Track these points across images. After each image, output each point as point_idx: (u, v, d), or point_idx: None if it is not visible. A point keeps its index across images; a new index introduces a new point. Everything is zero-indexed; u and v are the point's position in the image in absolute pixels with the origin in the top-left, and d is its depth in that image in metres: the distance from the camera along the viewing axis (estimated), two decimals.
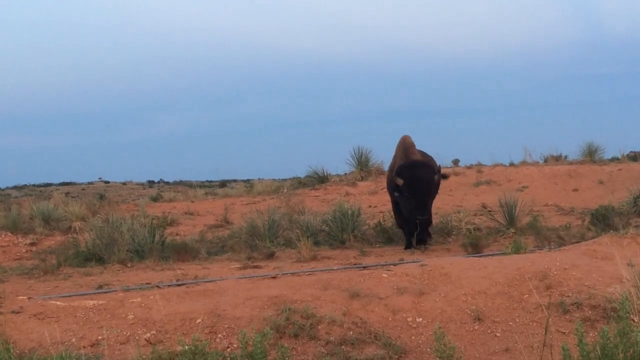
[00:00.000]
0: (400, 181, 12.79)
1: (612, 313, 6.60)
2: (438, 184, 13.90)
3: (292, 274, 9.65)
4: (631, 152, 31.60)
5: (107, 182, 67.53)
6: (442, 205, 17.82)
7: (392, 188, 13.47)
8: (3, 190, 55.60)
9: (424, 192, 12.83)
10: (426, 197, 12.99)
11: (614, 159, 26.89)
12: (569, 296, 7.19)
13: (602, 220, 13.89)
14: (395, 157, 14.04)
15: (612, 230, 9.83)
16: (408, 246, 13.12)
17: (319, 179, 26.34)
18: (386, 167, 24.32)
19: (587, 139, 29.95)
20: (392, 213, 14.92)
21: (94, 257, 12.74)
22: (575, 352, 4.43)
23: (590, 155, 26.61)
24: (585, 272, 7.71)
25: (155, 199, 27.39)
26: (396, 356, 6.09)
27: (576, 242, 10.63)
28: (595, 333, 6.00)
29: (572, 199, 20.92)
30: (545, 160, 27.36)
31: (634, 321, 4.72)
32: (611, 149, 33.33)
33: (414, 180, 12.72)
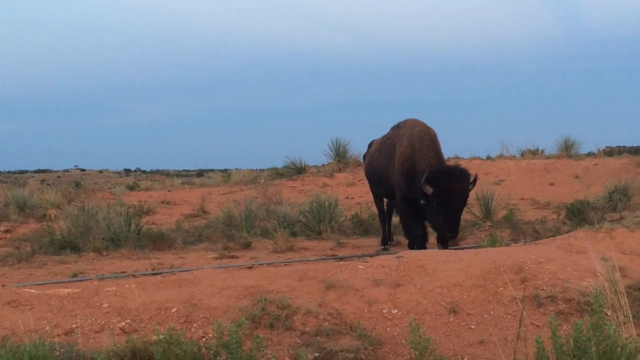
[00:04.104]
0: (429, 189, 10.74)
1: (585, 307, 6.65)
2: None
3: (268, 264, 9.66)
4: (607, 147, 32.01)
5: (84, 170, 67.26)
6: None
7: (419, 193, 11.06)
8: None
9: (458, 206, 10.91)
10: (460, 212, 11.06)
11: (590, 154, 27.16)
12: (543, 289, 7.24)
13: (578, 215, 14.00)
14: (411, 147, 11.72)
15: (587, 225, 9.89)
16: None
17: (297, 170, 26.40)
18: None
19: (563, 133, 30.21)
20: (386, 206, 13.71)
21: (69, 245, 12.68)
22: (549, 345, 4.46)
23: (567, 149, 26.85)
24: (560, 266, 7.76)
25: (131, 188, 27.31)
26: (371, 347, 6.09)
27: (551, 236, 10.69)
28: (569, 326, 6.03)
29: (548, 193, 21.08)
30: (522, 154, 27.57)
31: (607, 315, 4.75)
32: (587, 144, 33.72)
33: (450, 192, 10.73)
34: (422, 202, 11.04)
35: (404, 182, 11.71)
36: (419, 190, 11.06)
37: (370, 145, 13.91)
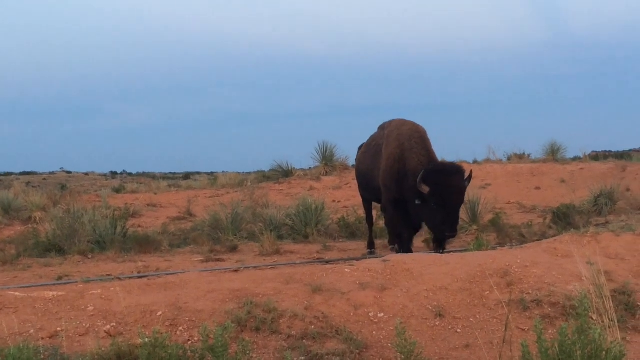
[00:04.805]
0: (426, 189, 10.43)
1: (571, 311, 6.67)
2: None
3: (254, 267, 9.64)
4: (593, 151, 32.17)
5: (69, 173, 67.01)
6: None
7: (414, 193, 10.73)
8: None
9: (457, 204, 10.69)
10: (459, 210, 10.84)
11: (576, 158, 27.23)
12: (529, 293, 7.25)
13: (563, 219, 14.04)
14: (400, 147, 11.36)
15: (573, 229, 9.92)
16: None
17: (284, 173, 26.34)
18: (351, 162, 24.16)
19: (550, 138, 30.33)
20: (377, 209, 13.82)
21: (54, 248, 12.62)
22: (534, 348, 4.47)
23: (553, 154, 26.92)
24: (546, 270, 7.77)
25: (117, 190, 27.24)
26: (357, 351, 6.09)
27: (537, 240, 10.72)
28: (555, 330, 6.06)
29: (534, 197, 21.13)
30: (509, 159, 27.63)
31: (592, 319, 4.77)
32: (573, 149, 33.87)
33: (448, 191, 10.42)
34: (417, 202, 10.66)
35: (394, 184, 11.36)
36: (413, 190, 10.71)
37: (359, 148, 13.78)
